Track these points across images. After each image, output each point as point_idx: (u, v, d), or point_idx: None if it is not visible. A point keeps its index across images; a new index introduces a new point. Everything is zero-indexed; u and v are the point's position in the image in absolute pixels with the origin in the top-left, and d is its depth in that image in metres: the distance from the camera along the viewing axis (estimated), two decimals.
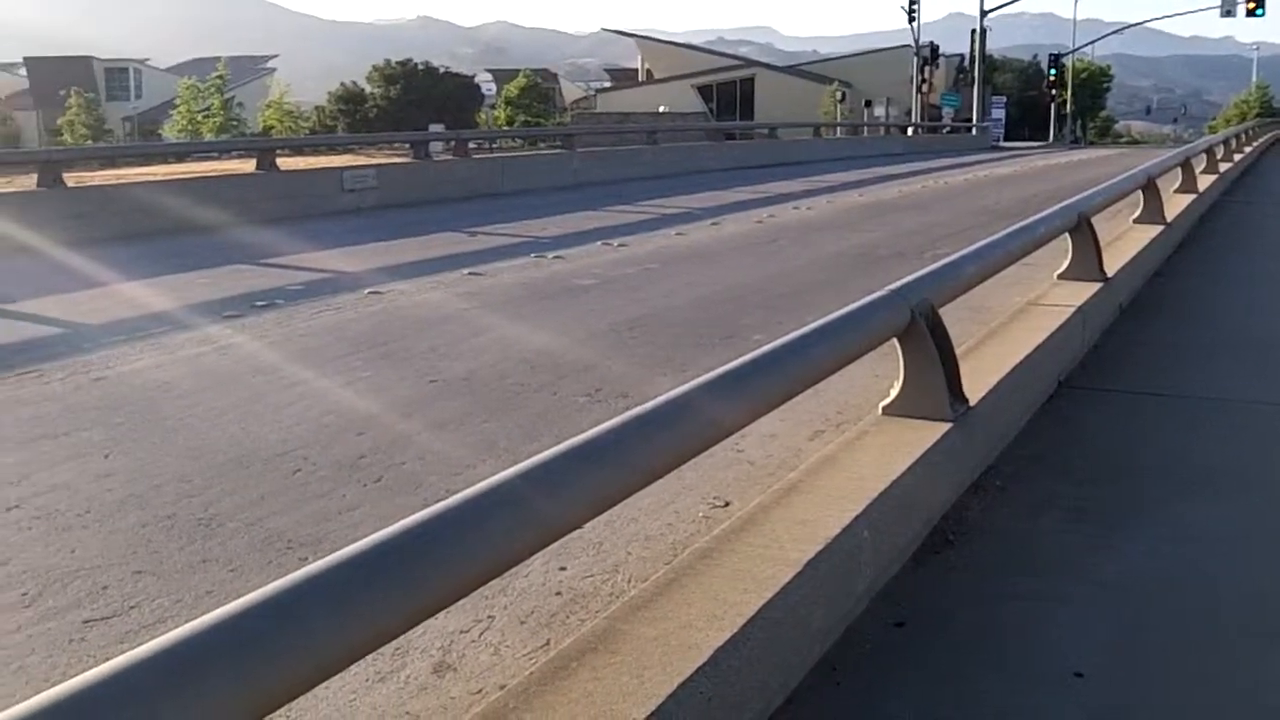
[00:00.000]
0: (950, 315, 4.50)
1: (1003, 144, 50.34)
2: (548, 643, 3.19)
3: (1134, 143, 67.85)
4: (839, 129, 42.49)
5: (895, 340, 4.15)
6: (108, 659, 1.58)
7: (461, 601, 2.22)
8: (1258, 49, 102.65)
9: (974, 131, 49.12)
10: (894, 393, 4.21)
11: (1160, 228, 10.51)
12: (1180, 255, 11.14)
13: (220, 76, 48.89)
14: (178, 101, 48.76)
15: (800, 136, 36.66)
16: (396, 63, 53.75)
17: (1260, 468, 4.84)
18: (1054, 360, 5.84)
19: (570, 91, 78.38)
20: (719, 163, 26.24)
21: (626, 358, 6.88)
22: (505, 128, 48.71)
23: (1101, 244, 7.57)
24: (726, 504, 4.27)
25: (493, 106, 58.55)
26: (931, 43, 52.44)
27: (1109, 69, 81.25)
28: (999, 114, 57.35)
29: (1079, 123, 66.99)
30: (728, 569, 2.85)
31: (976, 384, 4.49)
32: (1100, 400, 5.87)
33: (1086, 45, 67.71)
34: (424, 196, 17.77)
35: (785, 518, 3.19)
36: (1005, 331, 5.81)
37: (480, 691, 2.95)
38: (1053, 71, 61.49)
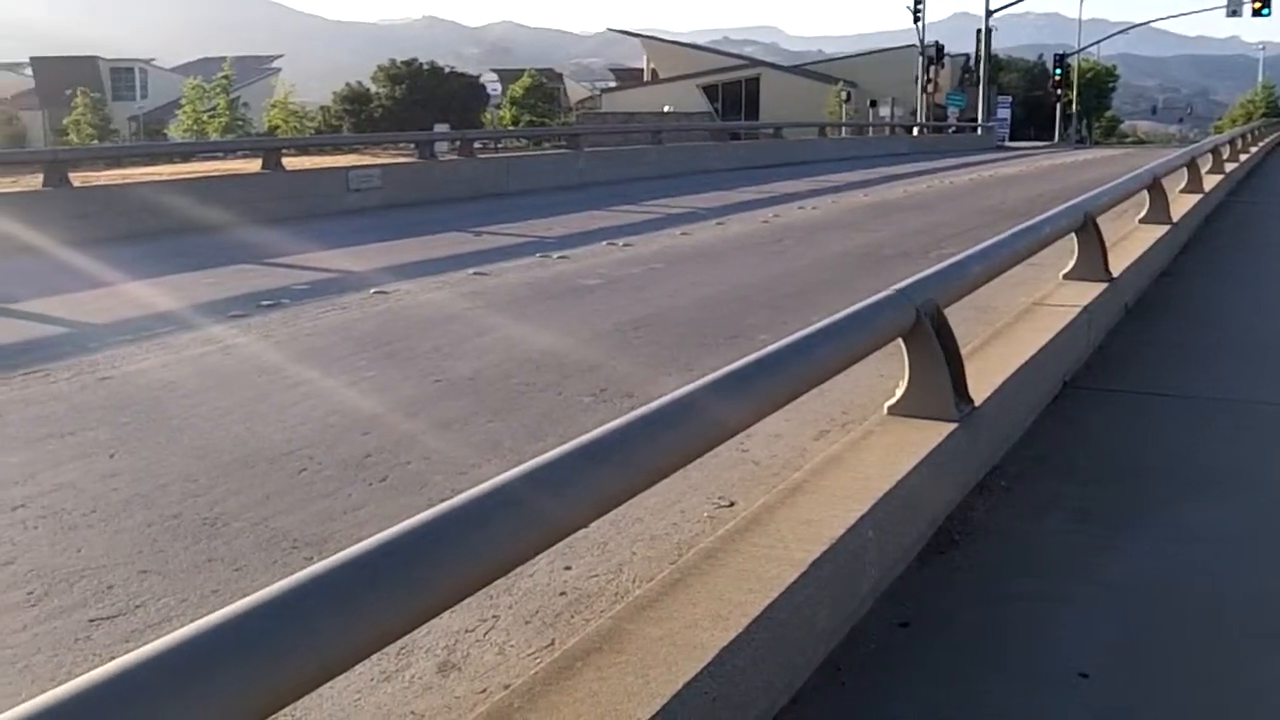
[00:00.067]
0: (955, 315, 4.50)
1: (1008, 144, 50.29)
2: (552, 642, 3.19)
3: (1139, 143, 67.60)
4: (844, 129, 42.39)
5: (900, 340, 4.14)
6: (113, 658, 1.59)
7: (466, 601, 2.22)
8: (1263, 49, 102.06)
9: (979, 131, 49.08)
10: (899, 393, 4.21)
11: (1166, 228, 10.49)
12: (1186, 255, 11.11)
13: (225, 76, 48.88)
14: (183, 101, 48.77)
15: (805, 136, 36.67)
16: (401, 62, 53.73)
17: (1265, 468, 4.83)
18: (1059, 360, 5.83)
19: (575, 91, 78.41)
20: (724, 162, 26.22)
21: (631, 358, 6.88)
22: (510, 128, 48.71)
23: (1107, 244, 7.56)
24: (731, 504, 4.27)
25: (498, 106, 58.53)
26: (937, 42, 52.34)
27: (1114, 69, 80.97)
28: (1004, 114, 57.33)
29: (1084, 122, 66.86)
30: (733, 569, 2.85)
31: (982, 384, 4.48)
32: (1105, 401, 5.85)
33: (1092, 45, 67.48)
34: (429, 196, 17.77)
35: (790, 518, 3.19)
36: (1010, 331, 5.80)
37: (485, 691, 2.95)
38: (1058, 71, 61.50)
